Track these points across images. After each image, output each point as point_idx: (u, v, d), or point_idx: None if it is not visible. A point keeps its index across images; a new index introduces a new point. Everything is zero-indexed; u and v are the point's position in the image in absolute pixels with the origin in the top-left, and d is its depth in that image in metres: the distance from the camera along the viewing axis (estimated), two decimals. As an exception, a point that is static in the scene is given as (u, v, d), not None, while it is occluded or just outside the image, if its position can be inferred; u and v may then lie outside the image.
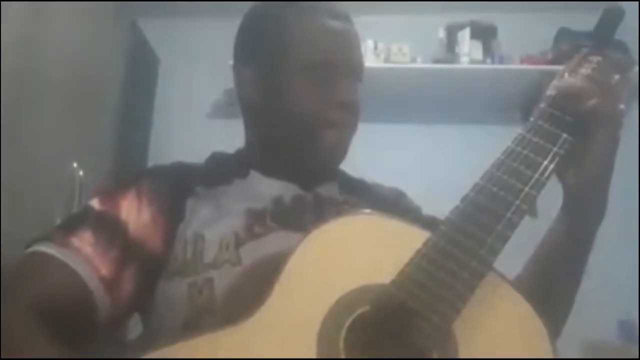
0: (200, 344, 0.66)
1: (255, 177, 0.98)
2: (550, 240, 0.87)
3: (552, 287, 0.85)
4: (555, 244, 0.86)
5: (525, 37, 2.62)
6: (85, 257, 0.82)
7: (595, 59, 0.85)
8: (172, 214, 0.90)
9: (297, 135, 0.95)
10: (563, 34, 2.58)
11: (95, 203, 0.90)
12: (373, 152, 2.32)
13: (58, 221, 1.85)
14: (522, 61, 2.57)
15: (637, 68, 2.15)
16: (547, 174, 0.76)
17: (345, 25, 0.98)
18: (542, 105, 0.81)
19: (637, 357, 2.05)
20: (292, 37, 0.96)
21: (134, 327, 0.96)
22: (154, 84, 2.79)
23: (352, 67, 0.97)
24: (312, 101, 0.94)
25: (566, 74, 0.84)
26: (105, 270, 0.83)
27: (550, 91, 0.82)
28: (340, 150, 0.98)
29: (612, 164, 0.80)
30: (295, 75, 0.94)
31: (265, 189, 0.95)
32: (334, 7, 0.99)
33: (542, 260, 0.87)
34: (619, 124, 0.79)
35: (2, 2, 1.70)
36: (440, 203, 0.92)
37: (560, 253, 0.86)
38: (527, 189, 0.74)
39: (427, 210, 1.06)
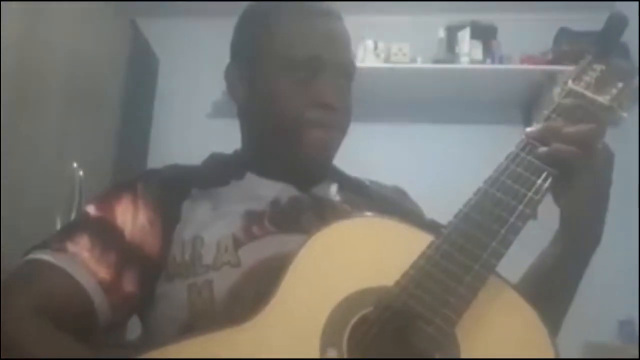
0: (203, 344, 0.66)
1: (251, 178, 0.97)
2: (543, 261, 0.86)
3: (542, 307, 0.83)
4: (548, 265, 0.85)
5: (525, 37, 2.61)
6: (82, 261, 0.82)
7: (599, 66, 0.85)
8: (167, 216, 0.90)
9: (281, 134, 0.93)
10: (563, 34, 2.58)
11: (90, 209, 0.90)
12: (373, 152, 2.33)
13: (58, 221, 1.87)
14: (522, 61, 2.56)
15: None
16: (551, 179, 0.75)
17: (331, 23, 0.95)
18: (546, 112, 0.81)
19: (637, 357, 2.05)
20: (274, 35, 0.94)
21: (134, 329, 0.96)
22: (154, 84, 2.78)
23: (337, 66, 0.94)
24: (293, 101, 0.92)
25: (570, 81, 0.84)
26: (102, 273, 0.83)
27: (556, 99, 0.82)
28: (326, 150, 0.96)
29: (606, 196, 0.79)
30: (276, 74, 0.93)
31: (263, 190, 0.95)
32: (321, 4, 0.96)
33: (534, 280, 0.85)
34: (606, 167, 0.77)
35: (2, 2, 1.70)
36: (440, 203, 0.92)
37: (552, 275, 0.84)
38: (530, 194, 0.74)
39: (428, 209, 1.06)
